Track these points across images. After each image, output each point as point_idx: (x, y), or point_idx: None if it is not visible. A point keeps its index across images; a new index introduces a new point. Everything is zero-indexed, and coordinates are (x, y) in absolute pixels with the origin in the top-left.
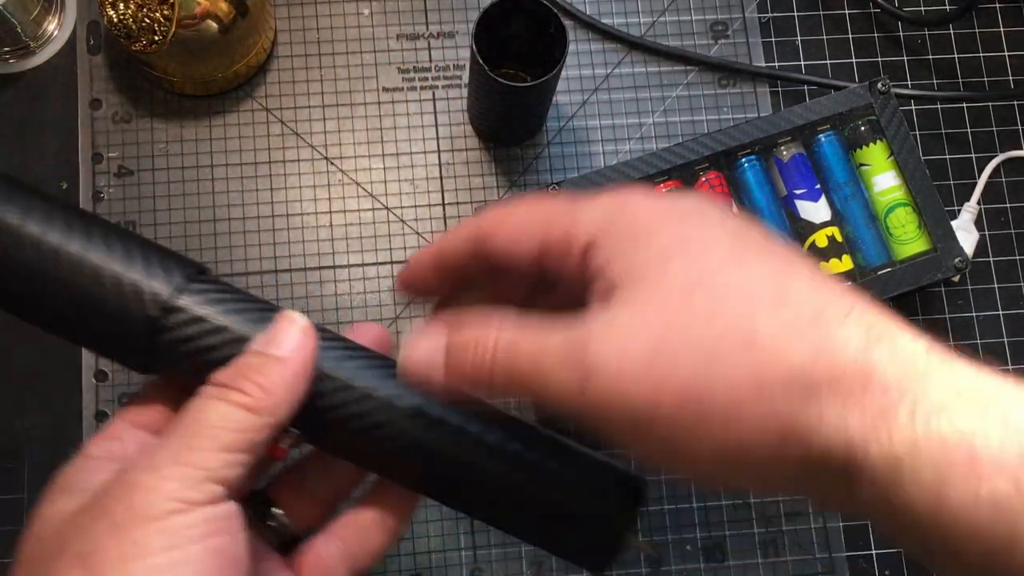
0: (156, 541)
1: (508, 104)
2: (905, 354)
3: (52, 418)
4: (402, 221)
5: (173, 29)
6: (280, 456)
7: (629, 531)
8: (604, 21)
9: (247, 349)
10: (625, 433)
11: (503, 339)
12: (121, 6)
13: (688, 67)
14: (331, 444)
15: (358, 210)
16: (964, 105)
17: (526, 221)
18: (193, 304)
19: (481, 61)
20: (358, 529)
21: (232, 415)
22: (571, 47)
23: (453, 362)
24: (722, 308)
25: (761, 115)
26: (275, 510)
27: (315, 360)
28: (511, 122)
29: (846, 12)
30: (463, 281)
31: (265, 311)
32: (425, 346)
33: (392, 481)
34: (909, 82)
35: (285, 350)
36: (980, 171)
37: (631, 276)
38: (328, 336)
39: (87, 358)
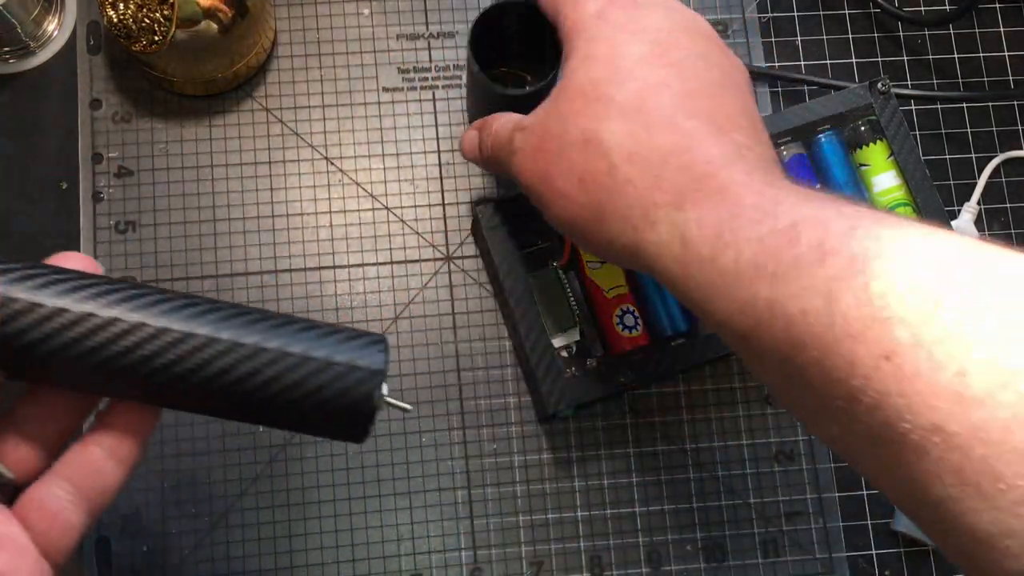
0: None
1: (507, 109)
2: (704, 165)
3: None
4: (402, 221)
5: (173, 29)
6: None
7: (377, 392)
8: None
9: None
10: (527, 194)
11: (500, 122)
12: (121, 6)
13: None
14: (51, 376)
15: (358, 210)
16: (964, 105)
17: None
18: None
19: (478, 69)
20: (86, 464)
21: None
22: None
23: (471, 151)
24: (586, 110)
25: (761, 115)
26: None
27: None
28: None
29: (846, 12)
30: None
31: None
32: (469, 135)
33: (124, 399)
34: (909, 82)
35: None
36: (980, 171)
37: (563, 76)
38: (20, 266)
39: None
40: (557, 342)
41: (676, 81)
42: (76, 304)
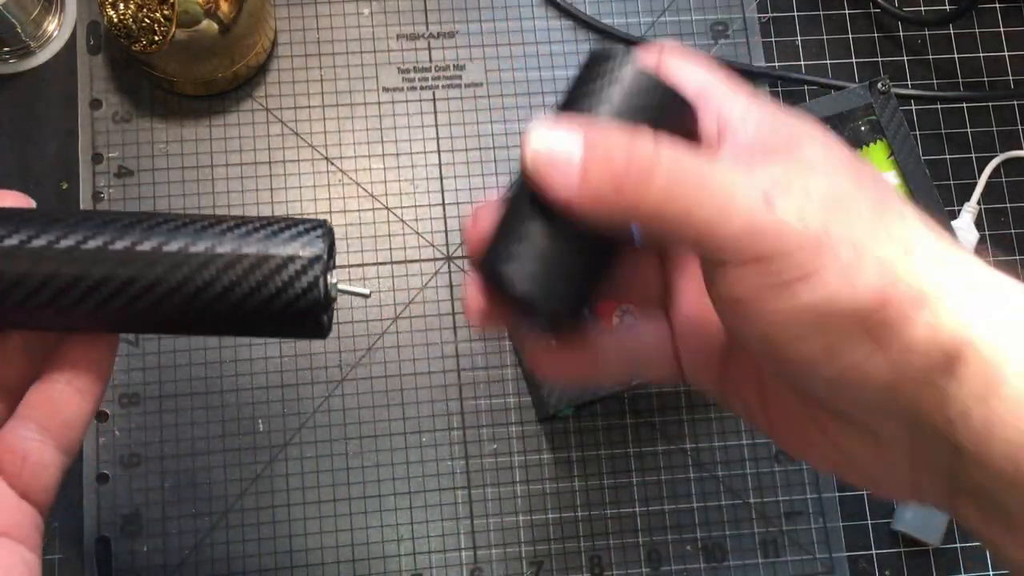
0: None
1: None
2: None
3: None
4: (402, 221)
5: (173, 29)
6: None
7: (321, 280)
8: (604, 21)
9: None
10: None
11: (667, 147)
12: (121, 6)
13: None
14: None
15: (358, 210)
16: (964, 105)
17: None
18: None
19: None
20: (48, 401)
21: None
22: (571, 47)
23: (599, 161)
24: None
25: None
26: None
27: None
28: None
29: (846, 12)
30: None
31: None
32: (559, 137)
33: (76, 331)
34: (909, 82)
35: None
36: (980, 171)
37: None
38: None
39: None
40: None
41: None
42: (13, 239)
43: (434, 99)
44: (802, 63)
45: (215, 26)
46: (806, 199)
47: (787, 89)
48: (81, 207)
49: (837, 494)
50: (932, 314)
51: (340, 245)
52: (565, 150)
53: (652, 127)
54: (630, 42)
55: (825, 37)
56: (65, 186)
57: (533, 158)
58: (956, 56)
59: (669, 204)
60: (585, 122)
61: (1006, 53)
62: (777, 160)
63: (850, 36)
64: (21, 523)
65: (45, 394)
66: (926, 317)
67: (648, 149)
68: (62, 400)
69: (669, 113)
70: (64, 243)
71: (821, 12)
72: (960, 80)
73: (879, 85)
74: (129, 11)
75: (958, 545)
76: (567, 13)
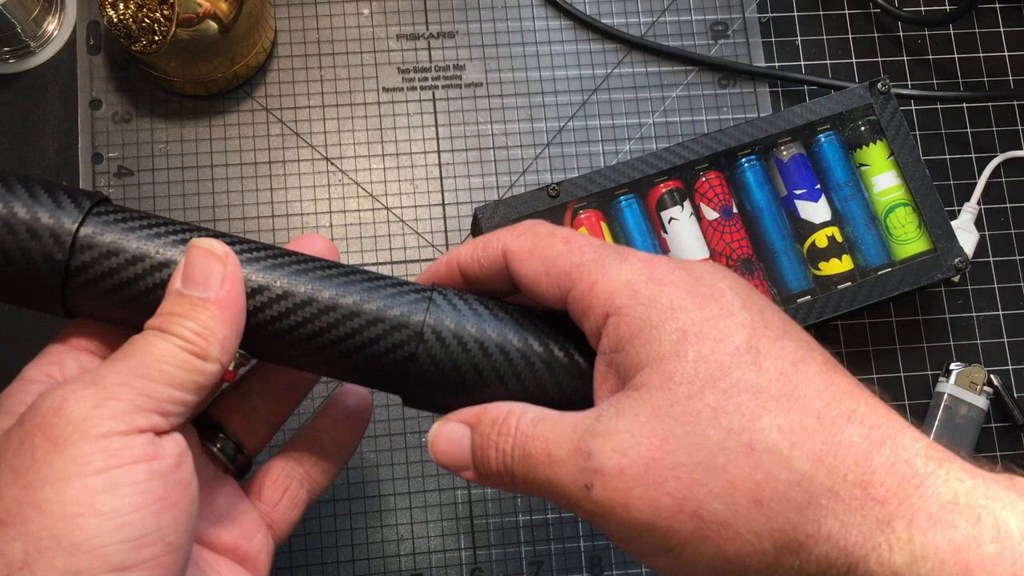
0: (96, 459)
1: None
2: (904, 458)
3: None
4: (402, 221)
5: (173, 29)
6: (230, 379)
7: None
8: (604, 21)
9: (169, 289)
10: (626, 537)
11: (525, 421)
12: (121, 6)
13: (688, 67)
14: (279, 355)
15: (358, 210)
16: (964, 105)
17: (549, 267)
18: (99, 236)
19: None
20: (315, 450)
21: (179, 355)
22: (571, 47)
23: (479, 445)
24: (728, 405)
25: (761, 115)
26: (222, 434)
27: (242, 288)
28: None
29: (846, 12)
30: (477, 283)
31: (182, 231)
32: (449, 431)
33: (343, 380)
34: (909, 82)
35: (211, 290)
36: (980, 171)
37: (645, 360)
38: (256, 246)
39: None
40: None
41: (801, 349)
42: (324, 291)
43: (434, 99)
44: (802, 63)
45: (215, 26)
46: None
47: (787, 89)
48: None
49: None
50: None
51: (340, 245)
52: (459, 444)
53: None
54: (630, 43)
55: (825, 37)
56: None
57: (432, 453)
58: (956, 56)
59: (530, 483)
60: (469, 416)
61: (1006, 53)
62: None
63: (850, 36)
64: (259, 552)
65: (312, 441)
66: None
67: (510, 432)
68: (324, 451)
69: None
70: (324, 294)
71: (821, 12)
72: (960, 80)
73: (879, 85)
74: (129, 11)
75: None
76: (567, 13)
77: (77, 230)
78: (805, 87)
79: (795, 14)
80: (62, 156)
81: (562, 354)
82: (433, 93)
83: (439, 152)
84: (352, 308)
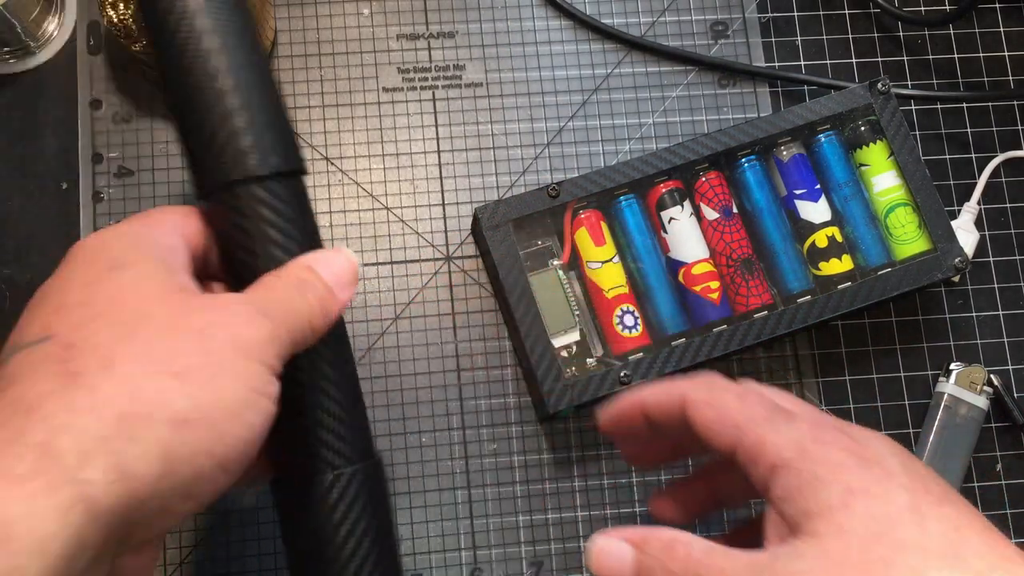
0: (254, 380)
1: None
2: None
3: None
4: (402, 221)
5: None
6: None
7: None
8: (604, 21)
9: (323, 272)
10: None
11: (696, 549)
12: (121, 6)
13: (688, 67)
14: None
15: (358, 210)
16: (964, 105)
17: (723, 417)
18: (250, 201)
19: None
20: None
21: (309, 327)
22: (571, 47)
23: (646, 566)
24: (897, 559)
25: (761, 115)
26: None
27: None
28: None
29: (846, 12)
30: (652, 430)
31: (314, 237)
32: (612, 547)
33: None
34: (909, 82)
35: (344, 294)
36: (980, 171)
37: (815, 513)
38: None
39: None
40: (557, 342)
41: (962, 515)
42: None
43: (434, 99)
44: (802, 63)
45: None
46: None
47: (787, 89)
48: (81, 207)
49: None
50: None
51: (340, 245)
52: (621, 561)
53: None
54: (630, 43)
55: (825, 37)
56: (65, 186)
57: (593, 566)
58: (956, 56)
59: None
60: (635, 533)
61: (1006, 53)
62: None
63: (850, 36)
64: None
65: None
66: None
67: (679, 558)
68: None
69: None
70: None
71: (821, 12)
72: (960, 80)
73: (879, 85)
74: (129, 11)
75: None
76: (567, 13)
77: (260, 181)
78: (805, 87)
79: (795, 14)
80: (62, 156)
81: None
82: (433, 93)
83: (439, 152)
84: None
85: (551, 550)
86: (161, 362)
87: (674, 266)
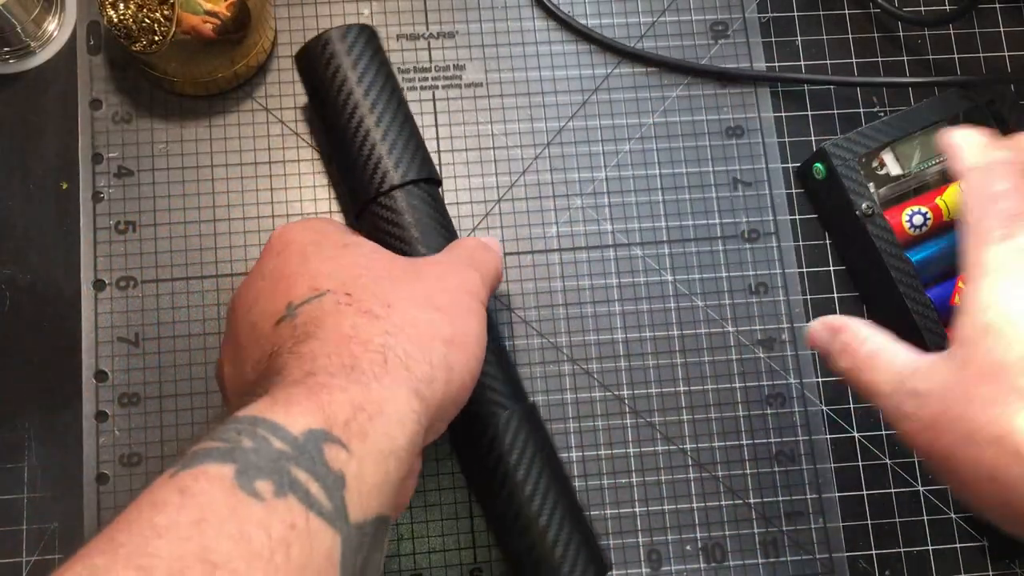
0: (480, 312)
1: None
2: None
3: (52, 418)
4: None
5: (173, 29)
6: None
7: None
8: (604, 20)
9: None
10: (931, 468)
11: (863, 349)
12: (121, 6)
13: (684, 70)
14: None
15: None
16: None
17: (975, 211)
18: (399, 202)
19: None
20: None
21: (495, 279)
22: (571, 47)
23: (835, 351)
24: (1001, 397)
25: (762, 115)
26: None
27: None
28: None
29: (846, 12)
30: None
31: (452, 229)
32: (822, 328)
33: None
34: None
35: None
36: None
37: (958, 338)
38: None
39: (87, 358)
40: None
41: None
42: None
43: (434, 99)
44: (802, 63)
45: (215, 26)
46: None
47: (787, 89)
48: (81, 207)
49: (837, 494)
50: None
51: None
52: (825, 337)
53: None
54: (623, 53)
55: (825, 37)
56: (65, 186)
57: (808, 336)
58: (956, 56)
59: (852, 380)
60: (834, 326)
61: (1006, 53)
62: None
63: (850, 36)
64: None
65: None
66: None
67: (830, 344)
68: None
69: None
70: None
71: (821, 12)
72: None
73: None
74: (129, 11)
75: (958, 546)
76: (565, 24)
77: (393, 190)
78: (805, 87)
79: (795, 14)
80: (62, 156)
81: None
82: (433, 93)
83: (439, 152)
84: None
85: None
86: (424, 302)
87: None
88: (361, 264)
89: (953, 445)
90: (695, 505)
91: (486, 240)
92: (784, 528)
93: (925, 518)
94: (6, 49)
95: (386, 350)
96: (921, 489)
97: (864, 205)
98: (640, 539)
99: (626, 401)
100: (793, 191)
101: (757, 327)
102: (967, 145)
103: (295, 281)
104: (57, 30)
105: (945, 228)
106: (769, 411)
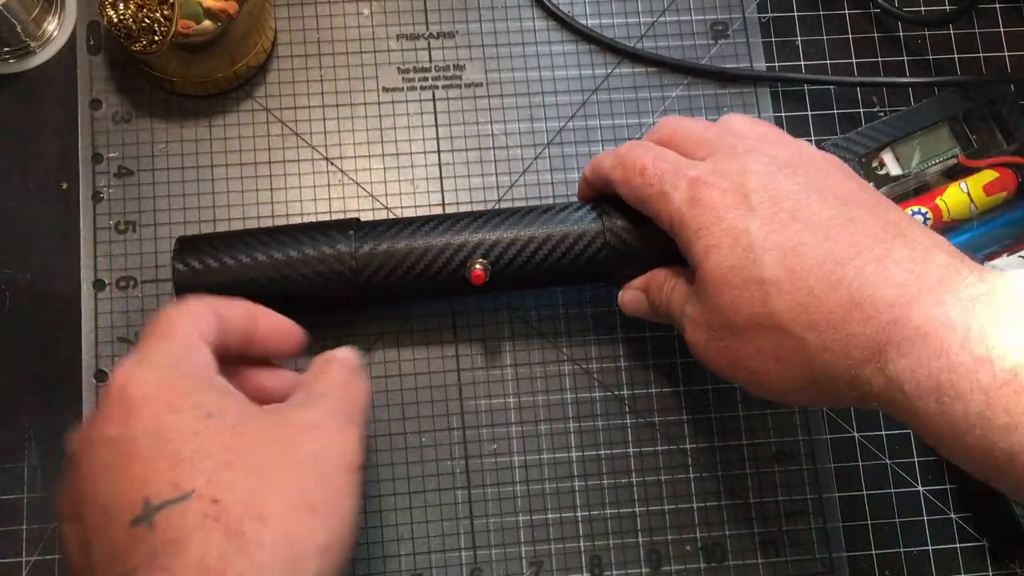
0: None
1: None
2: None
3: (52, 418)
4: None
5: (173, 29)
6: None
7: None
8: (604, 20)
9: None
10: (726, 378)
11: (668, 286)
12: (121, 6)
13: (684, 70)
14: (529, 282)
15: (358, 210)
16: None
17: (635, 188)
18: (371, 249)
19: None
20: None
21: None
22: (571, 47)
23: (652, 302)
24: (746, 294)
25: (762, 114)
26: None
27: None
28: None
29: (846, 12)
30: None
31: (428, 225)
32: (632, 295)
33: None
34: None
35: None
36: None
37: (694, 263)
38: (488, 215)
39: (87, 358)
40: None
41: (806, 232)
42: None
43: (434, 99)
44: (802, 63)
45: (215, 26)
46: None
47: (787, 89)
48: (81, 207)
49: (837, 494)
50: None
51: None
52: (635, 301)
53: None
54: (623, 53)
55: (825, 37)
56: (65, 186)
57: (624, 304)
58: (956, 56)
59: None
60: (640, 285)
61: (1006, 53)
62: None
63: (850, 36)
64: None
65: None
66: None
67: (647, 301)
68: None
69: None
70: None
71: (821, 12)
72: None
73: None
74: (129, 11)
75: (958, 546)
76: (566, 25)
77: (356, 251)
78: (805, 87)
79: (795, 14)
80: (62, 156)
81: None
82: (433, 93)
83: (439, 152)
84: (558, 235)
85: (551, 550)
86: (299, 502)
87: None
88: (229, 446)
89: (732, 350)
90: (695, 505)
91: (348, 359)
92: (784, 528)
93: (925, 518)
94: (6, 49)
95: None
96: (921, 489)
97: None
98: (640, 539)
99: (626, 401)
100: None
101: None
102: (592, 164)
103: (151, 467)
104: (57, 30)
105: (946, 228)
106: (769, 411)
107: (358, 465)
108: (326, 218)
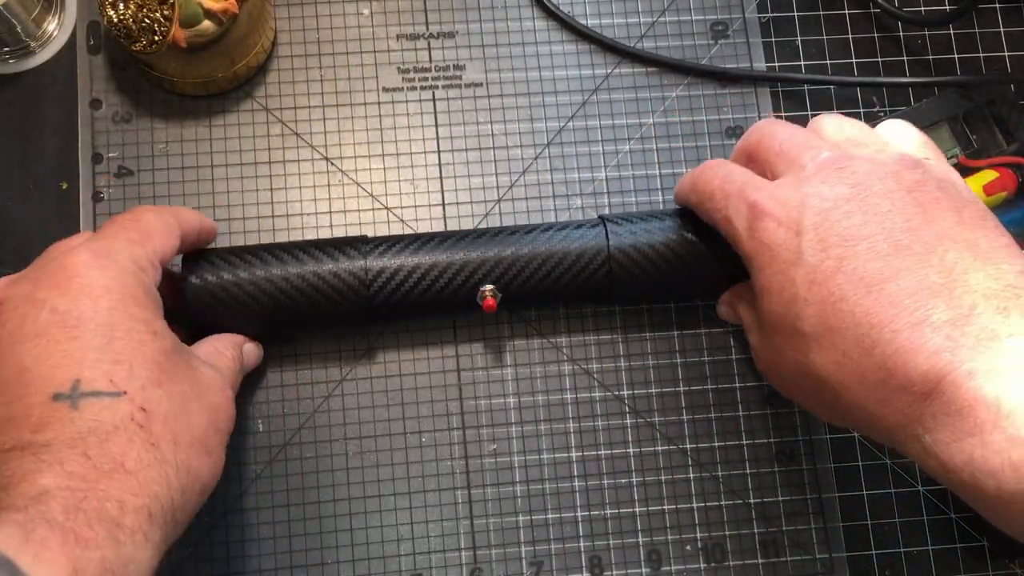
0: None
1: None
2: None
3: None
4: (402, 221)
5: (173, 29)
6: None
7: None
8: (605, 20)
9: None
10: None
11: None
12: (121, 6)
13: (684, 70)
14: (530, 301)
15: (358, 210)
16: None
17: (706, 201)
18: (381, 263)
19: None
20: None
21: None
22: (571, 47)
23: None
24: (791, 342)
25: (762, 114)
26: None
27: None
28: None
29: (846, 12)
30: None
31: (428, 242)
32: (723, 310)
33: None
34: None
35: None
36: None
37: (755, 290)
38: (477, 234)
39: None
40: None
41: (848, 286)
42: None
43: (434, 99)
44: (802, 63)
45: (215, 26)
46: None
47: (787, 89)
48: (81, 207)
49: (837, 494)
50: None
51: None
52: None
53: None
54: (623, 53)
55: (825, 37)
56: (65, 186)
57: (721, 313)
58: (956, 56)
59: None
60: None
61: (1006, 53)
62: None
63: (850, 36)
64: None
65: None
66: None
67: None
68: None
69: None
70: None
71: (821, 12)
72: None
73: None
74: (129, 11)
75: (958, 546)
76: (565, 24)
77: (367, 265)
78: (805, 87)
79: (795, 14)
80: (62, 156)
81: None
82: (433, 93)
83: (439, 152)
84: (560, 253)
85: (551, 550)
86: (201, 441)
87: None
88: (163, 368)
89: (783, 380)
90: (695, 505)
91: (250, 353)
92: (784, 528)
93: (925, 518)
94: (6, 49)
95: (151, 505)
96: (921, 489)
97: None
98: (640, 539)
99: (626, 401)
100: None
101: None
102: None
103: (91, 354)
104: (57, 30)
105: None
106: (769, 411)
107: (230, 432)
108: (326, 218)
